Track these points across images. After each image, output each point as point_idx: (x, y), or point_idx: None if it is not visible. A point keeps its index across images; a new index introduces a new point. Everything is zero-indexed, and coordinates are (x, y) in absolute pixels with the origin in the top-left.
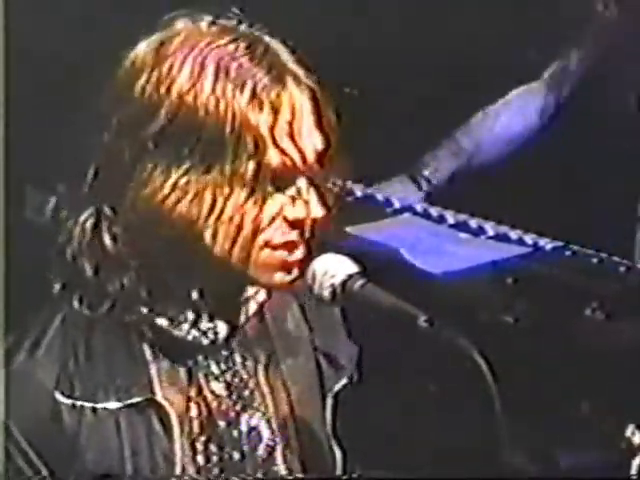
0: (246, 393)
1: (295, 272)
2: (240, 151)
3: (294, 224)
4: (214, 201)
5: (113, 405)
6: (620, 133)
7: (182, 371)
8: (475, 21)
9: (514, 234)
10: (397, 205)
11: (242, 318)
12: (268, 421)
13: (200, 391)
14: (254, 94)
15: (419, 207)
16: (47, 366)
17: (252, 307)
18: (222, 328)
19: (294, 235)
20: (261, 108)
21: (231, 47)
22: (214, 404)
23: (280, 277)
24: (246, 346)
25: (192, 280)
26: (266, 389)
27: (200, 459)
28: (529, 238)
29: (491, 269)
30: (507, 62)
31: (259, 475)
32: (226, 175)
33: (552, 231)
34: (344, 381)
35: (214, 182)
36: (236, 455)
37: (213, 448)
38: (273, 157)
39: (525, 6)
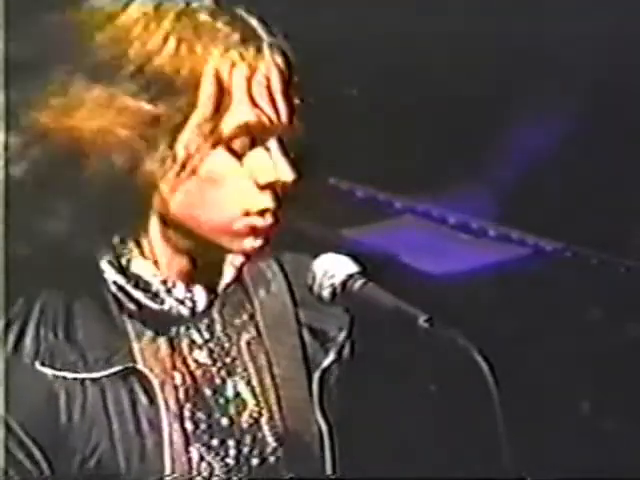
0: (228, 360)
1: (263, 238)
2: (218, 107)
3: (265, 188)
4: (188, 158)
5: (95, 375)
6: (620, 133)
7: (163, 340)
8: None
9: (515, 235)
10: (398, 206)
11: (220, 285)
12: (252, 389)
13: (184, 360)
14: (227, 51)
15: (420, 208)
16: (31, 348)
17: (229, 272)
18: (201, 296)
19: (268, 201)
20: (235, 65)
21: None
22: (198, 372)
23: (250, 242)
24: (226, 313)
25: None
26: (247, 357)
27: (188, 425)
28: (530, 239)
29: (491, 270)
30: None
31: (247, 440)
32: (204, 132)
33: (552, 231)
34: (332, 356)
35: (189, 138)
36: (224, 421)
37: (201, 415)
38: (248, 113)
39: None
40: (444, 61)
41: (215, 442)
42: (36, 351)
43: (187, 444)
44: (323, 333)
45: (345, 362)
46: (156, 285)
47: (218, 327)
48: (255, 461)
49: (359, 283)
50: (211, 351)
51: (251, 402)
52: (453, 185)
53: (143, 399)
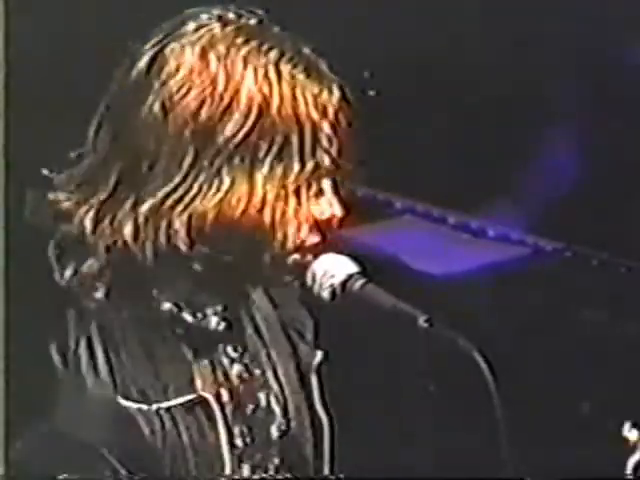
0: (258, 372)
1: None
2: (303, 152)
3: (319, 224)
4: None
5: (166, 404)
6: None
7: (209, 361)
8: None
9: (515, 235)
10: (398, 206)
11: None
12: (277, 400)
13: (227, 377)
14: (315, 98)
15: (420, 208)
16: (101, 374)
17: None
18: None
19: (316, 237)
20: (323, 111)
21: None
22: (241, 387)
23: None
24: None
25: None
26: (269, 367)
27: (239, 442)
28: (530, 239)
29: (491, 270)
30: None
31: (281, 454)
32: (290, 177)
33: (553, 232)
34: (320, 355)
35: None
36: (264, 434)
37: (245, 430)
38: (325, 158)
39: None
40: (453, 60)
41: (258, 457)
42: (114, 381)
43: (240, 462)
44: (302, 333)
45: (345, 364)
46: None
47: (246, 338)
48: (287, 473)
49: (359, 283)
50: (246, 365)
51: (279, 413)
52: (455, 186)
53: (206, 424)
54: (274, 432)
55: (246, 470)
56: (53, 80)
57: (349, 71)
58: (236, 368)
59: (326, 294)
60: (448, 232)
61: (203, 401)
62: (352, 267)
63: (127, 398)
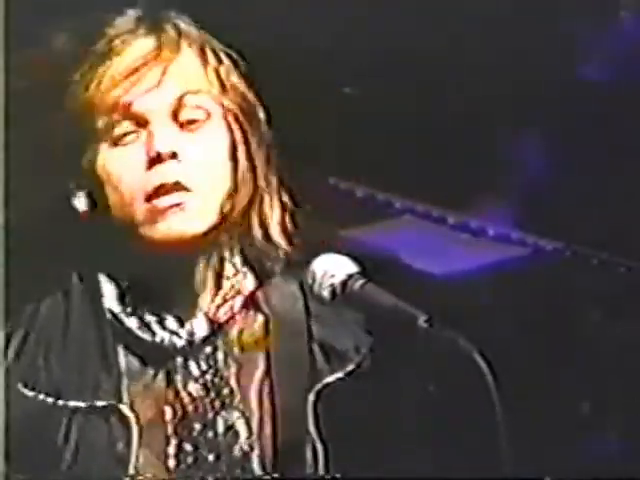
0: (225, 391)
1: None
2: None
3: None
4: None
5: (78, 404)
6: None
7: (158, 374)
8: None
9: (515, 235)
10: (398, 206)
11: (224, 315)
12: (247, 420)
13: (177, 394)
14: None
15: (420, 208)
16: (23, 360)
17: (238, 303)
18: (201, 328)
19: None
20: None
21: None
22: (190, 406)
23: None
24: (229, 342)
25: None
26: (249, 384)
27: (171, 462)
28: (529, 239)
29: (491, 270)
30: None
31: (236, 474)
32: None
33: (553, 231)
34: (339, 374)
35: None
36: (211, 457)
37: (188, 448)
38: None
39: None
40: (452, 60)
41: (197, 478)
42: (23, 371)
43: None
44: (335, 350)
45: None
46: (148, 316)
47: (220, 356)
48: None
49: (359, 283)
50: (206, 383)
51: (244, 433)
52: (454, 186)
53: (120, 438)
54: (236, 452)
55: None
56: (53, 80)
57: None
58: (191, 385)
59: (326, 294)
60: (448, 232)
61: (123, 415)
62: (352, 267)
63: (32, 389)
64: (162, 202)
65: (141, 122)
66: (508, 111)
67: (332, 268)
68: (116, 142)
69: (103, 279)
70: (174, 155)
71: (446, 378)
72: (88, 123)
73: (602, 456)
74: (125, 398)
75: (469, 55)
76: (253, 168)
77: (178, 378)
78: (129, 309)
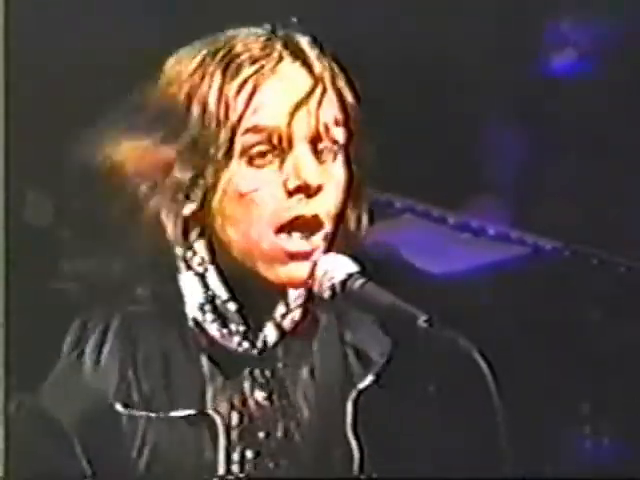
0: (285, 402)
1: (302, 268)
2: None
3: (293, 193)
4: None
5: (168, 415)
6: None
7: (232, 382)
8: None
9: (514, 234)
10: (398, 206)
11: (288, 323)
12: (298, 424)
13: (244, 401)
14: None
15: (420, 207)
16: (108, 373)
17: (297, 311)
18: (271, 335)
19: (298, 208)
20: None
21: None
22: (256, 414)
23: (286, 271)
24: (291, 351)
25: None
26: (301, 396)
27: (235, 468)
28: (529, 239)
29: (491, 269)
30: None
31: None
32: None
33: (553, 231)
34: (370, 378)
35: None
36: (271, 464)
37: (250, 455)
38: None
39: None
40: (452, 59)
41: None
42: (116, 389)
43: None
44: (366, 356)
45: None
46: (234, 323)
47: (279, 365)
48: None
49: (359, 282)
50: (271, 390)
51: (299, 441)
52: (453, 186)
53: (206, 441)
54: (293, 459)
55: None
56: (53, 80)
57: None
58: (258, 393)
59: (326, 294)
60: (448, 232)
61: (208, 419)
62: (352, 267)
63: (125, 405)
64: (292, 245)
65: (283, 147)
66: (508, 111)
67: (332, 267)
68: (251, 162)
69: (187, 288)
70: (319, 188)
71: (446, 378)
72: (210, 140)
73: (602, 456)
74: (210, 405)
75: (469, 55)
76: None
77: (246, 385)
78: (212, 317)
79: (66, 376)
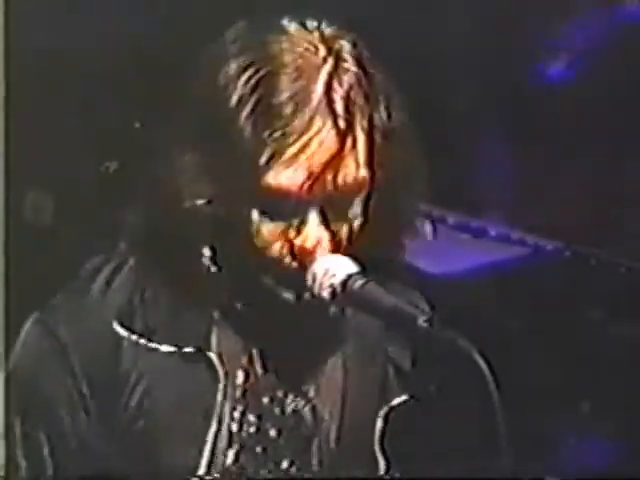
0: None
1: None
2: None
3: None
4: None
5: (167, 348)
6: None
7: (240, 338)
8: None
9: (515, 235)
10: None
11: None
12: (314, 409)
13: (251, 362)
14: None
15: (420, 208)
16: (115, 297)
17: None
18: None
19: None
20: None
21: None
22: (262, 379)
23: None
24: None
25: None
26: (323, 378)
27: (234, 426)
28: (530, 239)
29: (491, 269)
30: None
31: (290, 457)
32: None
33: (553, 231)
34: (404, 397)
35: None
36: (272, 432)
37: (251, 418)
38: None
39: None
40: (452, 58)
41: (258, 449)
42: (118, 311)
43: (229, 443)
44: (404, 372)
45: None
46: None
47: None
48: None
49: (359, 283)
50: None
51: (308, 421)
52: (454, 186)
53: (205, 381)
54: (297, 438)
55: (231, 453)
56: (54, 79)
57: None
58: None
59: (326, 294)
60: (448, 232)
61: (209, 363)
62: (352, 267)
63: (126, 328)
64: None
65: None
66: (507, 110)
67: (332, 268)
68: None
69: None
70: (315, 247)
71: (446, 378)
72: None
73: (602, 456)
74: (214, 348)
75: (467, 54)
76: None
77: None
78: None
79: (74, 297)
